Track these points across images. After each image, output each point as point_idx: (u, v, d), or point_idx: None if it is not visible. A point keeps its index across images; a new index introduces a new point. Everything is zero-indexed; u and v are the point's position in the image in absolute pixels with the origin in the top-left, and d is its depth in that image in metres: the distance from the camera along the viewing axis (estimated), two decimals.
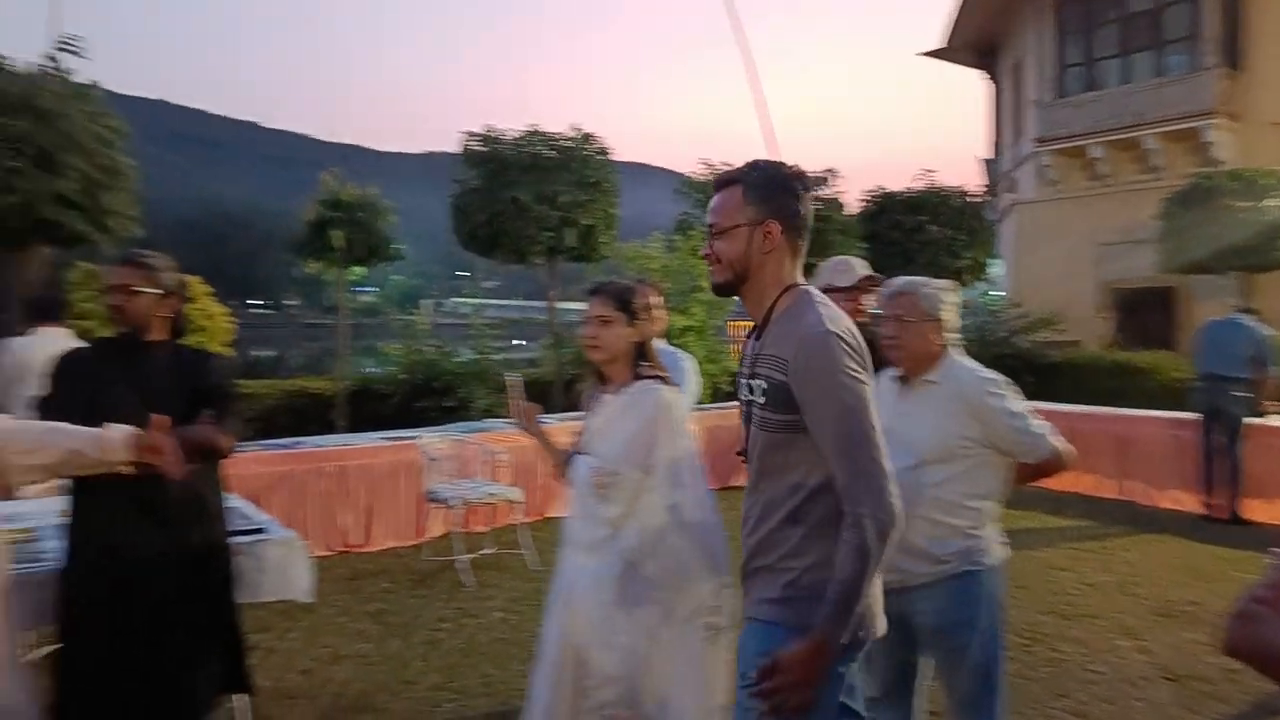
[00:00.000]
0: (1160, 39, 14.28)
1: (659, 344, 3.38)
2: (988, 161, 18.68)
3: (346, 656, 4.12)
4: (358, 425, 8.41)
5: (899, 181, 13.66)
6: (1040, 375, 10.32)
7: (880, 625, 1.79)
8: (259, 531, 3.32)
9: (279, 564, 3.24)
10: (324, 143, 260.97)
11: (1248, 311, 7.29)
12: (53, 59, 6.68)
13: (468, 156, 9.79)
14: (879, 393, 2.50)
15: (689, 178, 12.16)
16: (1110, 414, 8.04)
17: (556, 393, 10.14)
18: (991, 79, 18.55)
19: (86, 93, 6.68)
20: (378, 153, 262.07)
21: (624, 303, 2.63)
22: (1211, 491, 6.97)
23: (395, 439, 6.50)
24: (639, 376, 2.60)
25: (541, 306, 12.90)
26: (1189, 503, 7.20)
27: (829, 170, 12.30)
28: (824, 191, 12.02)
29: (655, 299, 3.49)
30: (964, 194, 13.15)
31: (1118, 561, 5.77)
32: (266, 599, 3.31)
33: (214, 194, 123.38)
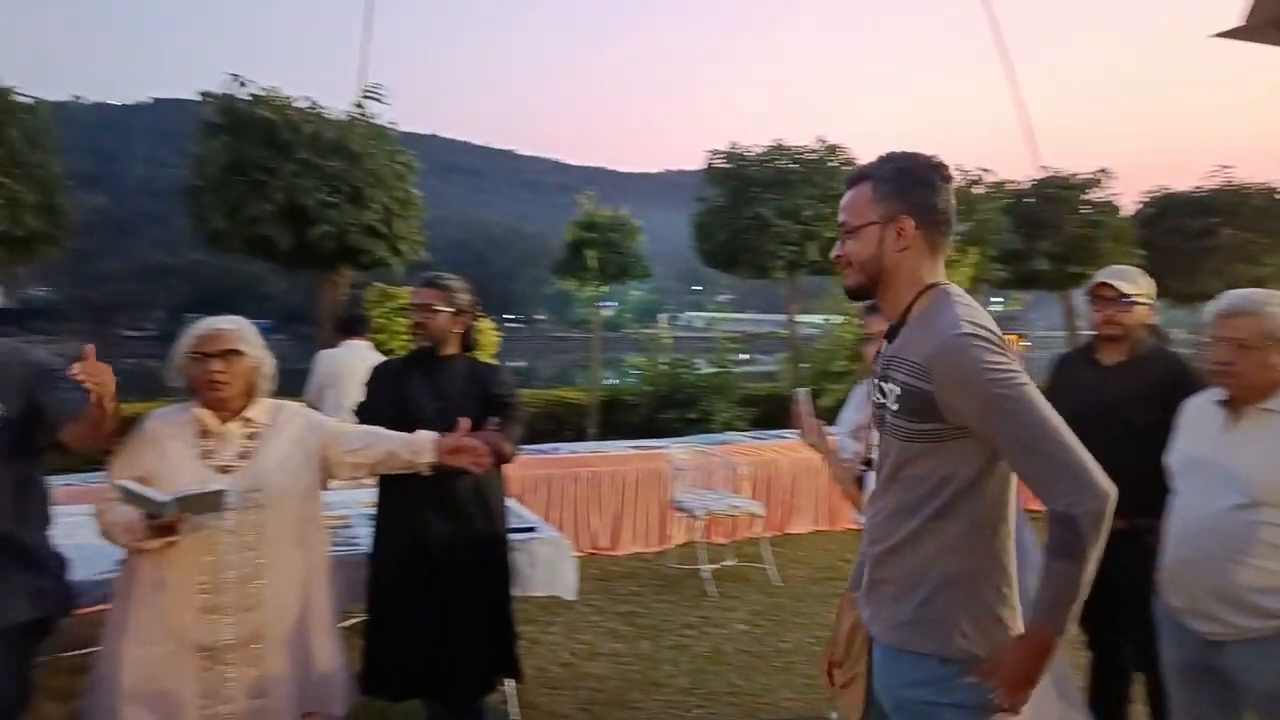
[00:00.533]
0: None
1: None
2: None
3: (602, 654, 4.36)
4: (607, 434, 8.86)
5: (1183, 180, 12.18)
6: None
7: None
8: (531, 530, 3.60)
9: (548, 562, 3.49)
10: (572, 166, 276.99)
11: None
12: (359, 105, 7.71)
13: (711, 174, 10.02)
14: (1195, 419, 2.27)
15: None
16: None
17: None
18: None
19: (386, 133, 7.64)
20: (621, 174, 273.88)
21: None
22: None
23: (643, 448, 6.77)
24: None
25: (777, 320, 12.88)
26: None
27: (1101, 170, 11.27)
28: (1095, 194, 11.01)
29: None
30: (1274, 191, 11.49)
31: None
32: (534, 593, 3.58)
33: (478, 218, 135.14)
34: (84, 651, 3.71)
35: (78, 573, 2.63)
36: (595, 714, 3.70)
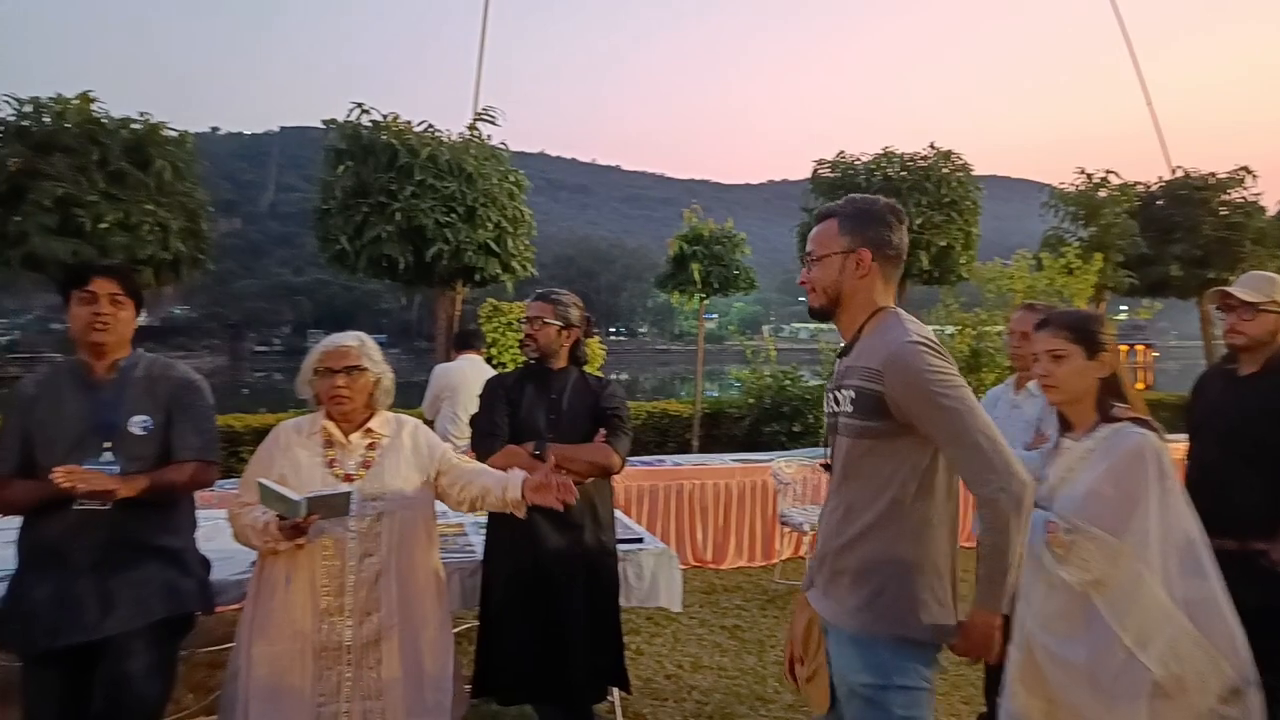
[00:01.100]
0: None
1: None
2: None
3: (707, 666, 4.35)
4: (710, 446, 8.85)
5: None
6: None
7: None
8: (638, 541, 3.63)
9: (654, 573, 3.51)
10: (675, 180, 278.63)
11: None
12: (473, 128, 8.00)
13: (817, 183, 9.91)
14: None
15: (1059, 189, 11.13)
16: None
17: None
18: None
19: (498, 153, 7.91)
20: (724, 185, 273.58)
21: (1082, 332, 2.24)
22: None
23: (747, 461, 6.73)
24: (1110, 418, 2.20)
25: None
26: None
27: (1242, 169, 10.57)
28: (1235, 194, 10.33)
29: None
30: None
31: None
32: (641, 604, 3.60)
33: (584, 234, 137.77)
34: (221, 647, 3.98)
35: (217, 573, 2.82)
36: None
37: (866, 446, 1.85)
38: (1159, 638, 1.96)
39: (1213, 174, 10.91)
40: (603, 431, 2.99)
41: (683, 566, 6.03)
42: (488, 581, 3.09)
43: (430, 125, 7.97)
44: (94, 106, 7.08)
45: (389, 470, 2.62)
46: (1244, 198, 10.75)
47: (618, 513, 3.52)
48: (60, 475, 2.23)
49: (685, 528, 6.24)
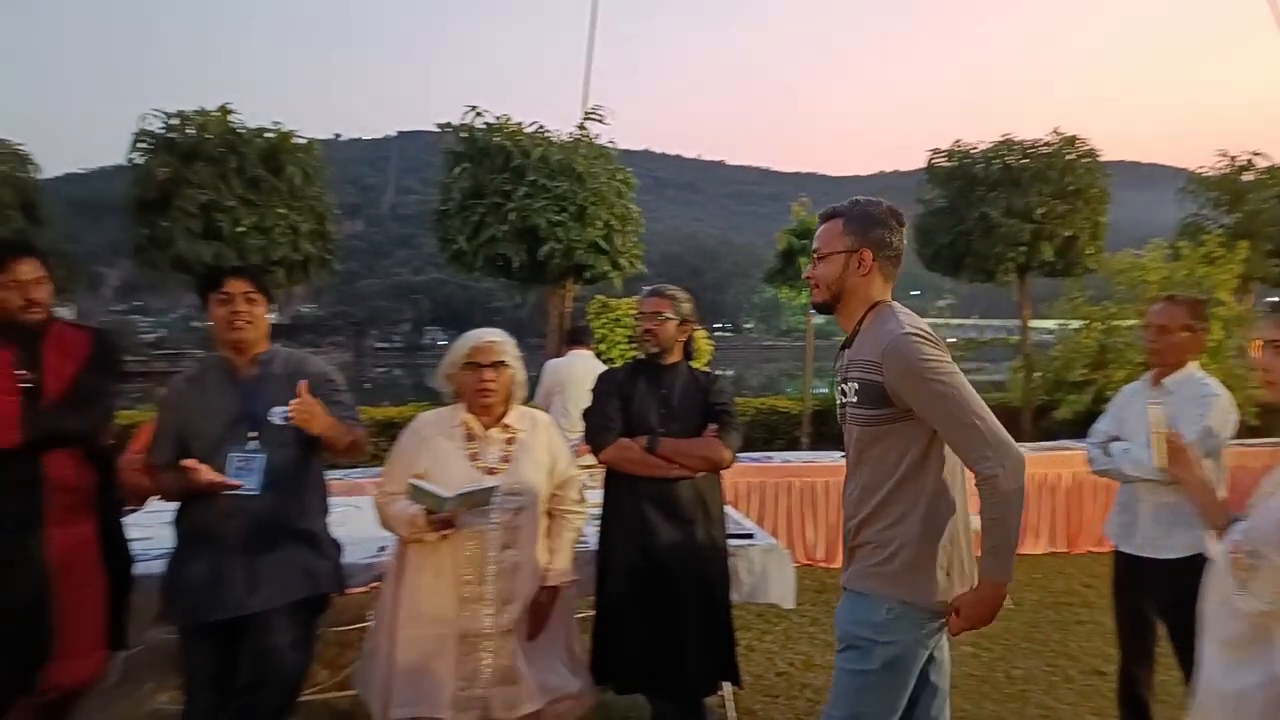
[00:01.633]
0: None
1: (1190, 369, 2.97)
2: None
3: (818, 665, 4.29)
4: (819, 443, 8.72)
5: None
6: None
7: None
8: (749, 537, 3.62)
9: (764, 569, 3.49)
10: (781, 173, 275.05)
11: None
12: (583, 127, 8.14)
13: (933, 174, 9.60)
14: None
15: (1198, 174, 10.41)
16: None
17: (1025, 420, 9.39)
18: None
19: (607, 153, 8.02)
20: (832, 178, 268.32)
21: None
22: None
23: None
24: None
25: (1004, 325, 12.08)
26: None
27: None
28: None
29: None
30: None
31: None
32: (752, 600, 3.58)
33: (690, 231, 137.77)
34: (349, 627, 4.19)
35: (346, 557, 2.97)
36: None
37: (874, 434, 2.00)
38: None
39: None
40: (713, 426, 3.01)
41: (794, 564, 5.98)
42: (601, 572, 3.13)
43: (541, 126, 8.15)
44: (231, 118, 7.57)
45: (525, 465, 2.72)
46: None
47: (728, 508, 3.52)
48: (201, 472, 2.43)
49: (796, 525, 6.16)
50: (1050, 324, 10.55)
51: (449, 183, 8.06)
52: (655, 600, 2.97)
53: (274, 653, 2.52)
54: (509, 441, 2.74)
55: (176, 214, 7.11)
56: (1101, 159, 9.30)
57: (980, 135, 11.69)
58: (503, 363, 2.71)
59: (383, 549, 3.13)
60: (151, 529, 3.48)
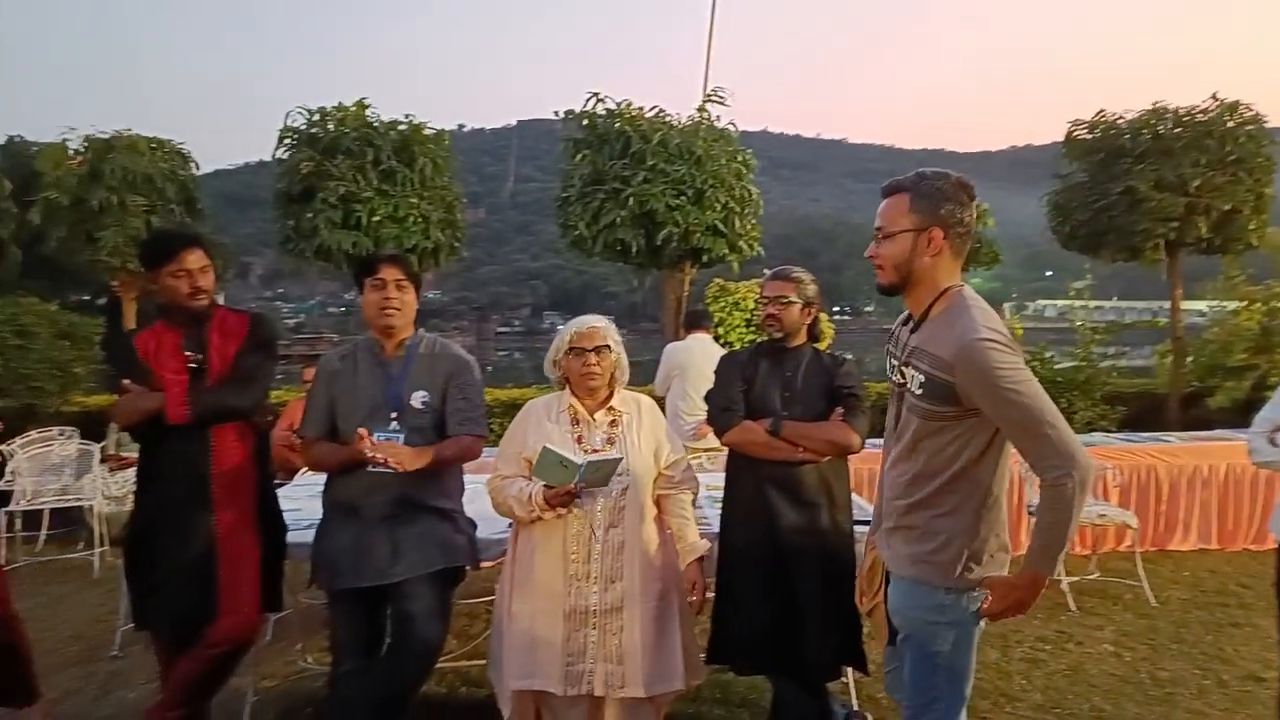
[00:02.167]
0: None
1: None
2: None
3: None
4: None
5: None
6: None
7: None
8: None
9: None
10: (904, 150, 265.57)
11: None
12: (702, 110, 8.10)
13: (1071, 146, 9.07)
14: None
15: None
16: None
17: (1172, 408, 8.80)
18: None
19: (727, 134, 7.96)
20: (959, 154, 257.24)
21: None
22: None
23: None
24: None
25: (1149, 307, 11.33)
26: None
27: None
28: None
29: None
30: None
31: None
32: None
33: (806, 212, 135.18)
34: (477, 600, 4.37)
35: (480, 532, 3.09)
36: None
37: (936, 426, 1.98)
38: None
39: None
40: (839, 410, 2.96)
41: None
42: (723, 553, 3.14)
43: (660, 110, 8.16)
44: (368, 112, 7.93)
45: (631, 447, 2.77)
46: None
47: (855, 495, 3.47)
48: (365, 441, 2.56)
49: None
50: (1202, 305, 9.81)
51: (570, 170, 8.19)
52: (776, 584, 2.95)
53: (415, 619, 2.67)
54: (613, 424, 2.80)
55: (319, 205, 7.52)
56: (1267, 125, 8.55)
57: (1126, 104, 10.94)
58: (606, 347, 2.76)
59: (511, 526, 3.24)
60: (299, 501, 3.73)
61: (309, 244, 7.66)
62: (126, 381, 2.73)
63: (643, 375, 6.30)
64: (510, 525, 2.90)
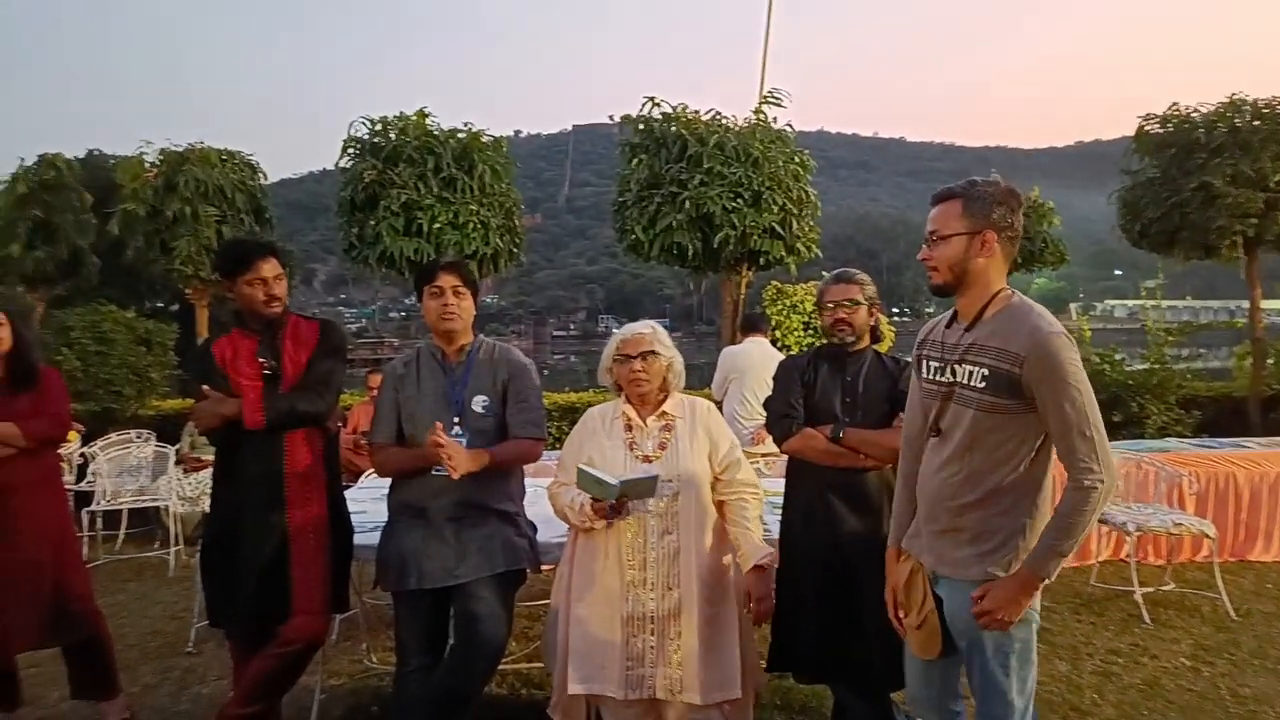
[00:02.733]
0: None
1: None
2: None
3: None
4: None
5: None
6: None
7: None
8: None
9: None
10: (965, 148, 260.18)
11: None
12: (759, 111, 8.06)
13: (1142, 141, 8.78)
14: None
15: None
16: None
17: (1252, 411, 8.45)
18: None
19: (784, 136, 7.90)
20: (1023, 151, 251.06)
21: None
22: None
23: None
24: None
25: (1223, 306, 10.93)
26: None
27: None
28: None
29: None
30: None
31: None
32: None
33: (864, 211, 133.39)
34: (536, 603, 4.41)
35: (541, 535, 3.12)
36: None
37: (996, 421, 2.03)
38: None
39: None
40: (902, 415, 2.91)
41: None
42: (783, 560, 3.11)
43: (717, 112, 8.14)
44: (428, 120, 8.08)
45: (684, 452, 2.77)
46: None
47: None
48: (439, 439, 2.61)
49: None
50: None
51: (626, 174, 8.22)
52: (839, 591, 2.92)
53: (479, 620, 2.71)
54: (666, 429, 2.80)
55: (382, 213, 7.68)
56: None
57: (1199, 97, 10.56)
58: (652, 352, 2.77)
59: (569, 530, 3.26)
60: (365, 503, 3.81)
61: (372, 251, 7.83)
62: (205, 387, 2.83)
63: (697, 379, 6.29)
64: (569, 529, 2.92)
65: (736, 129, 7.95)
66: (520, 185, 8.96)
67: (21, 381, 3.16)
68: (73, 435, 6.78)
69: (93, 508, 6.23)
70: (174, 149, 8.75)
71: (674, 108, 8.14)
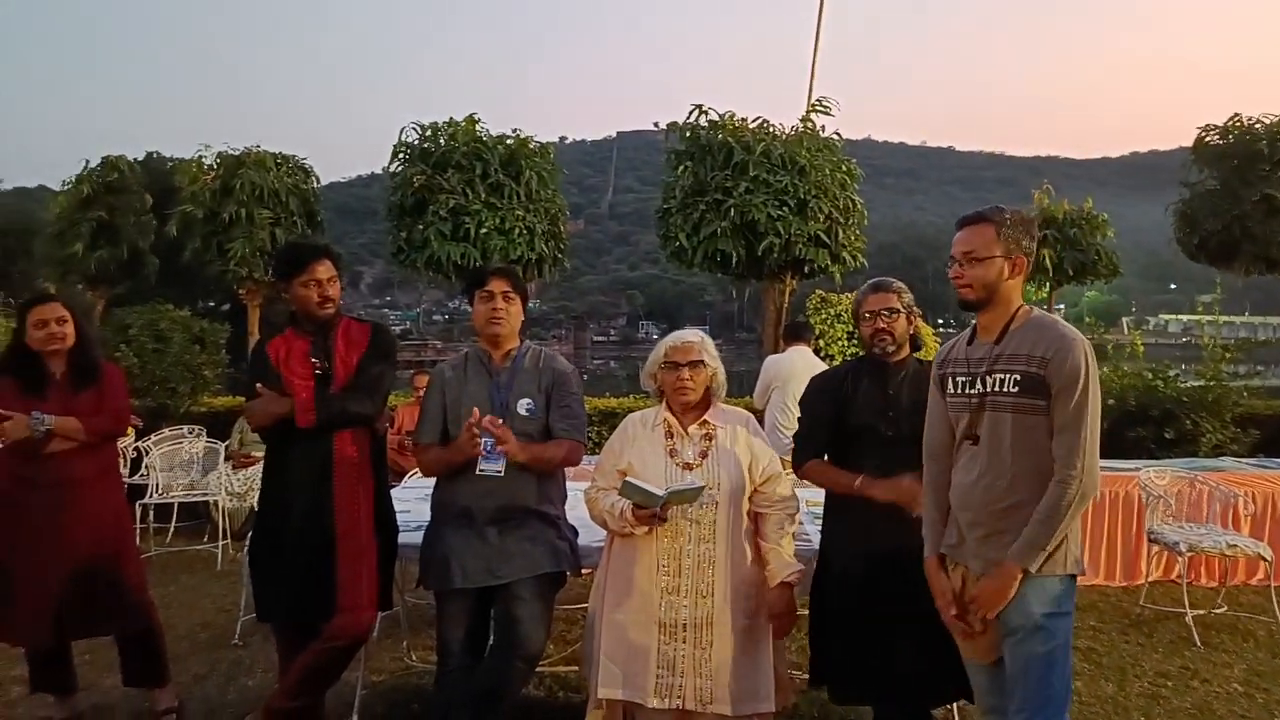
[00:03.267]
0: None
1: None
2: None
3: None
4: None
5: None
6: None
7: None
8: None
9: None
10: (1014, 157, 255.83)
11: None
12: (807, 119, 8.03)
13: (1201, 152, 8.58)
14: None
15: None
16: None
17: None
18: None
19: (831, 144, 7.86)
20: (1075, 161, 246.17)
21: None
22: None
23: (1109, 469, 6.03)
24: None
25: None
26: None
27: None
28: None
29: None
30: None
31: None
32: None
33: (909, 220, 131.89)
34: (574, 606, 4.43)
35: (581, 539, 3.13)
36: None
37: (1032, 423, 2.19)
38: None
39: None
40: None
41: None
42: (822, 572, 3.07)
43: (764, 120, 8.12)
44: (477, 127, 8.19)
45: (723, 461, 2.76)
46: None
47: None
48: (487, 422, 2.66)
49: None
50: None
51: (671, 181, 8.24)
52: (877, 605, 2.86)
53: (519, 622, 2.74)
54: (707, 438, 2.80)
55: (430, 218, 7.80)
56: None
57: (1262, 108, 10.28)
58: (700, 362, 2.77)
59: (608, 534, 3.27)
60: (409, 503, 3.87)
61: (420, 255, 7.94)
62: (260, 385, 2.91)
63: (736, 386, 6.26)
64: (607, 535, 2.93)
65: (783, 137, 7.93)
66: (564, 191, 9.03)
67: (84, 377, 3.26)
68: (129, 429, 6.98)
69: (145, 501, 6.41)
70: (231, 152, 8.98)
71: (721, 115, 8.15)
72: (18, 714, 3.57)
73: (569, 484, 3.16)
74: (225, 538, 6.21)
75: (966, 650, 2.41)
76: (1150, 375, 8.17)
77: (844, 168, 7.87)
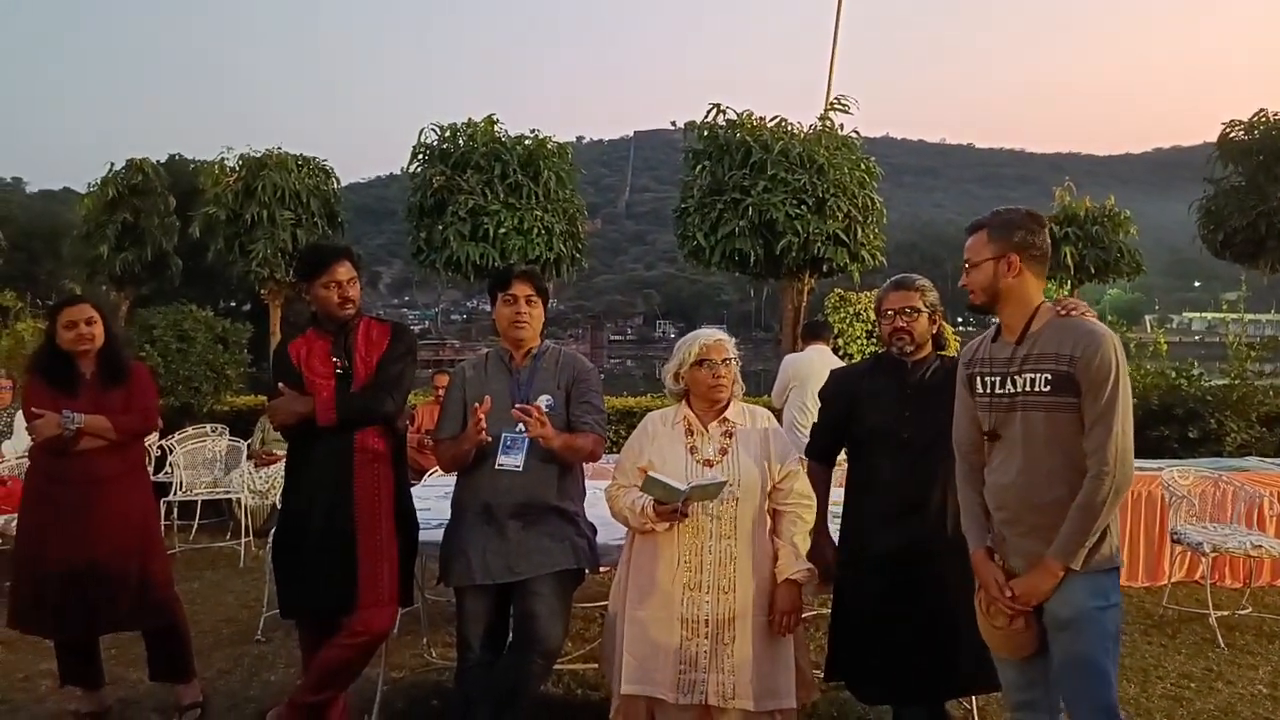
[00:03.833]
0: None
1: None
2: None
3: None
4: None
5: None
6: None
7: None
8: None
9: None
10: (1034, 155, 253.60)
11: None
12: (825, 118, 8.01)
13: (1226, 148, 8.48)
14: None
15: None
16: None
17: None
18: None
19: (850, 142, 7.84)
20: (1097, 157, 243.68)
21: None
22: None
23: (1135, 469, 5.97)
24: None
25: None
26: None
27: None
28: None
29: None
30: None
31: None
32: None
33: (929, 218, 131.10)
34: (593, 604, 4.45)
35: (600, 537, 3.15)
36: None
37: (1066, 420, 2.20)
38: None
39: None
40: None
41: None
42: (844, 572, 3.06)
43: (782, 119, 8.11)
44: (496, 128, 8.22)
45: (742, 458, 2.77)
46: None
47: None
48: (518, 410, 2.71)
49: None
50: None
51: (688, 181, 8.25)
52: (900, 601, 2.85)
53: (538, 619, 2.76)
54: (727, 435, 2.80)
55: (449, 219, 7.84)
56: None
57: None
58: (730, 359, 2.79)
59: (628, 532, 3.29)
60: (429, 500, 3.90)
61: (439, 255, 7.99)
62: (281, 384, 2.95)
63: (754, 385, 6.25)
64: (627, 531, 2.94)
65: (802, 135, 7.91)
66: (581, 191, 9.05)
67: (113, 376, 3.32)
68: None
69: (169, 498, 6.49)
70: (253, 154, 9.06)
71: (739, 114, 8.14)
72: (47, 707, 3.63)
73: (588, 482, 3.18)
74: (248, 535, 6.28)
75: (997, 645, 2.41)
76: (1174, 374, 8.08)
77: (863, 166, 7.84)
